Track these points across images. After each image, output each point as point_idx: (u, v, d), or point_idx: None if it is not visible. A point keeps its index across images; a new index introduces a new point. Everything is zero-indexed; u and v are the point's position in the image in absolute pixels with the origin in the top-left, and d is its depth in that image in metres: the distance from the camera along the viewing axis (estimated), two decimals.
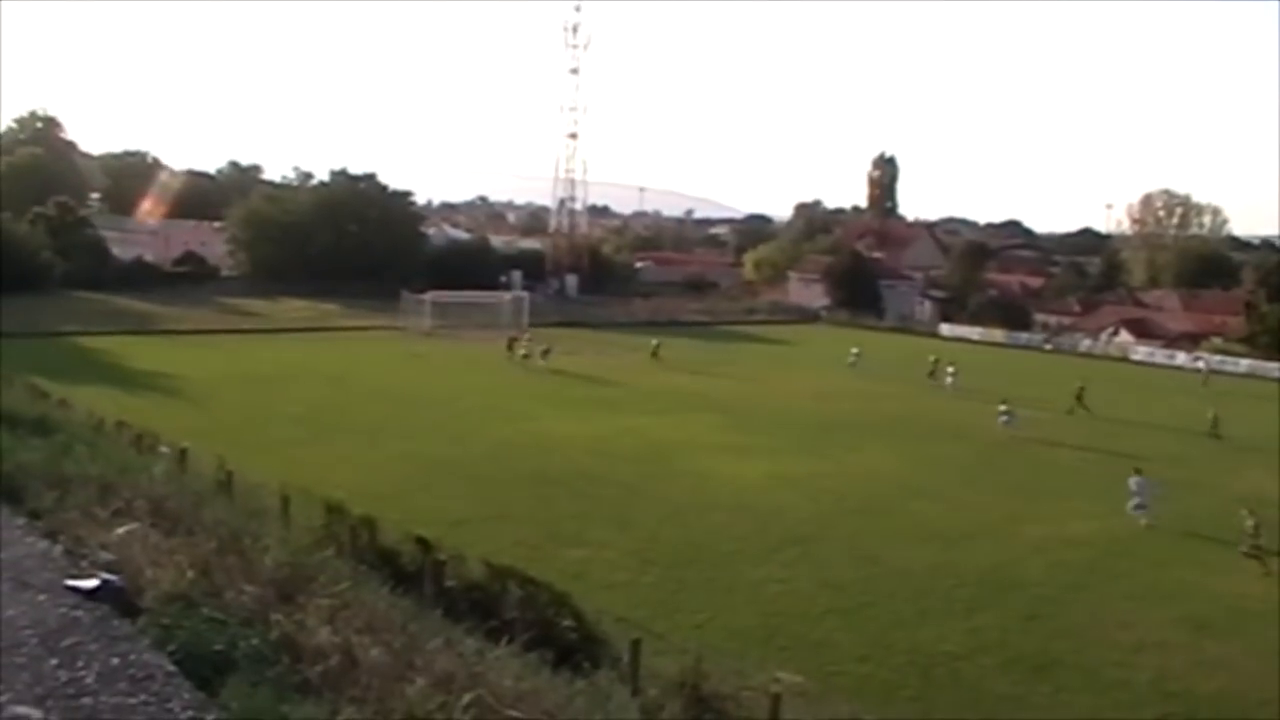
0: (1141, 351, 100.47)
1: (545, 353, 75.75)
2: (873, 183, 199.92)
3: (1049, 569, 34.11)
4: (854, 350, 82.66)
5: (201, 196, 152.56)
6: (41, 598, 7.79)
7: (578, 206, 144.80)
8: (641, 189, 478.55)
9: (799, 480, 44.36)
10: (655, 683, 17.75)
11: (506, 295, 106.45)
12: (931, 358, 79.64)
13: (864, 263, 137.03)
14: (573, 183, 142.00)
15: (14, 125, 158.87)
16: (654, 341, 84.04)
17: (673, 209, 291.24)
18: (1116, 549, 36.20)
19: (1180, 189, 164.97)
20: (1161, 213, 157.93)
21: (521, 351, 76.76)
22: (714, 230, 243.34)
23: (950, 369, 71.79)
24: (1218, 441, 57.55)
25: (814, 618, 28.87)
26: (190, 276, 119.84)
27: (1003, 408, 56.98)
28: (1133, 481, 40.85)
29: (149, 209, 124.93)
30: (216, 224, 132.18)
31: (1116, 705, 24.30)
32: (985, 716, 23.34)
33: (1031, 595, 31.58)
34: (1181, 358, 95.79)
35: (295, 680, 6.78)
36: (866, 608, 29.84)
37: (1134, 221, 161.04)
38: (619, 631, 20.25)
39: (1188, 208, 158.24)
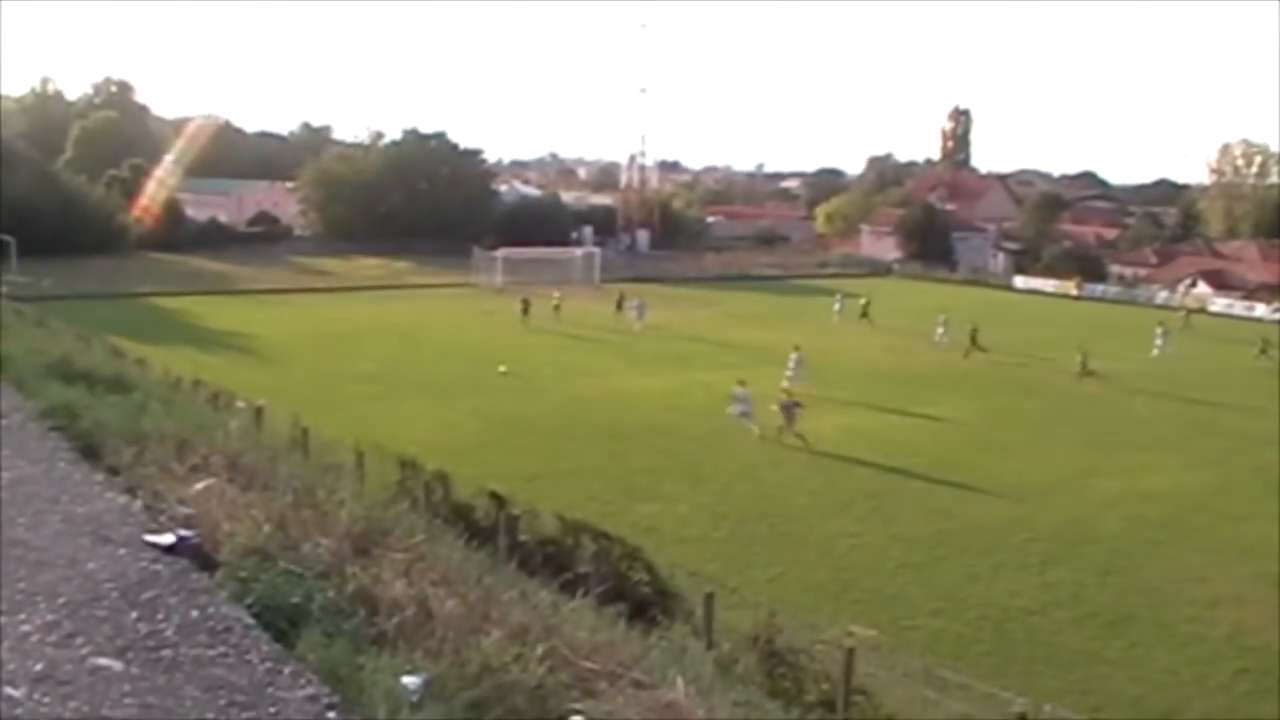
0: (1220, 303, 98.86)
1: (639, 307, 74.38)
2: (945, 135, 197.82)
3: (1124, 523, 33.81)
4: (836, 303, 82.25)
5: (273, 157, 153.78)
6: (121, 552, 7.89)
7: (648, 162, 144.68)
8: (712, 142, 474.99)
9: (871, 434, 44.19)
10: (729, 636, 17.78)
11: (578, 251, 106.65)
12: (836, 303, 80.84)
13: (936, 215, 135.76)
14: (643, 138, 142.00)
15: (89, 91, 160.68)
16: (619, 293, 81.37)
17: (744, 163, 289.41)
18: (1192, 503, 35.82)
19: (1259, 138, 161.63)
20: (1240, 162, 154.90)
21: (553, 302, 75.87)
22: (785, 184, 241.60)
23: (941, 318, 70.95)
24: (1092, 379, 57.36)
25: (887, 572, 28.82)
26: (264, 237, 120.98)
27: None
28: (737, 391, 44.47)
29: (162, 179, 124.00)
30: (289, 184, 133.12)
31: (1193, 660, 24.10)
32: (1060, 671, 23.22)
33: (1106, 550, 31.33)
34: (1261, 309, 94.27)
35: (371, 632, 6.82)
36: (939, 562, 29.74)
37: (1211, 171, 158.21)
38: (692, 585, 20.28)
39: (1267, 156, 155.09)
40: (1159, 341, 67.69)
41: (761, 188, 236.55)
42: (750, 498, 35.10)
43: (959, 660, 22.32)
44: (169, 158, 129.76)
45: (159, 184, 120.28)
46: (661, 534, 30.03)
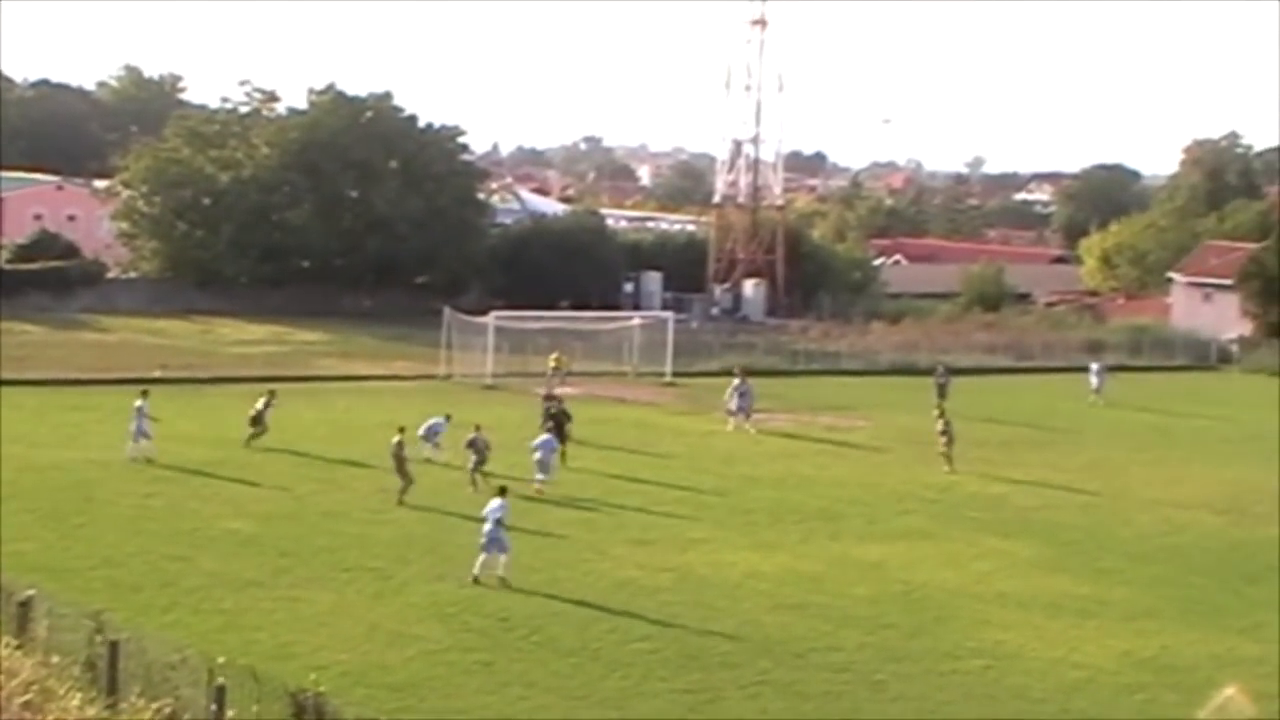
0: None
1: (740, 396, 76.85)
2: None
3: None
4: (1093, 378, 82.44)
5: (70, 130, 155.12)
6: None
7: (764, 153, 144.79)
8: (886, 120, 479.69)
9: (1184, 672, 43.63)
10: None
11: (634, 317, 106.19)
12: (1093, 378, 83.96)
13: None
14: (757, 111, 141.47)
15: None
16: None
17: (945, 158, 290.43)
18: None
19: None
20: None
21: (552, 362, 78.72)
22: (1023, 194, 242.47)
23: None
24: None
25: None
26: (46, 279, 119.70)
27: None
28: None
29: None
30: (100, 183, 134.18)
31: None
32: None
33: None
34: None
35: None
36: None
37: None
38: None
39: None
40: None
41: (980, 201, 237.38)
42: None
43: None
44: None
45: None
46: None
